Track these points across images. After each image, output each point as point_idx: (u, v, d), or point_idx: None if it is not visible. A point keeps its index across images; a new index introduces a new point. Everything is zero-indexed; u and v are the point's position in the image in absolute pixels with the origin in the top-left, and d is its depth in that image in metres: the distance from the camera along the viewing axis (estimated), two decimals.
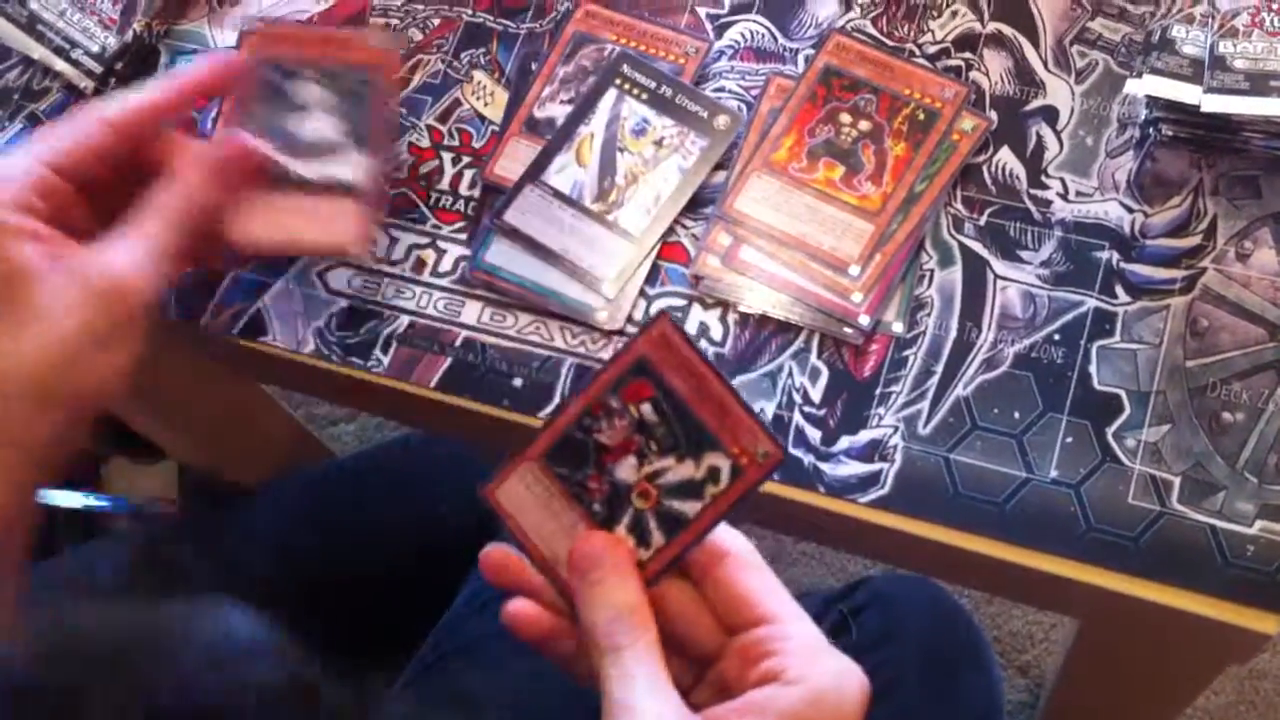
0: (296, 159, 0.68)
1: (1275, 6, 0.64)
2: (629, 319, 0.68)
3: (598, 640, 0.49)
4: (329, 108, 0.69)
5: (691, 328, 0.67)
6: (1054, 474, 0.61)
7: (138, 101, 0.62)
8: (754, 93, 0.72)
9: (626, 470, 0.50)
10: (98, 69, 0.78)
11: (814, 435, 0.64)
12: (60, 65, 0.79)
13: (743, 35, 0.74)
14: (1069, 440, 0.62)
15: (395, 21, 0.78)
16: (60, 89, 0.80)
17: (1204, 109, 0.63)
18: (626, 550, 0.50)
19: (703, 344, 0.67)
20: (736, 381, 0.66)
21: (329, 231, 0.68)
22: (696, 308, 0.68)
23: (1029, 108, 0.69)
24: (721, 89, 0.73)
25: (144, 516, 1.29)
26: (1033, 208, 0.67)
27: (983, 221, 0.67)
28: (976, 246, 0.67)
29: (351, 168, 0.68)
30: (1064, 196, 0.67)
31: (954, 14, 0.72)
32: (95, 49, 0.79)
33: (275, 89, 0.70)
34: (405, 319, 0.70)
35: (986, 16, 0.72)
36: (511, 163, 0.72)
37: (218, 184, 0.63)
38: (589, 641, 0.49)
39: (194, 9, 0.81)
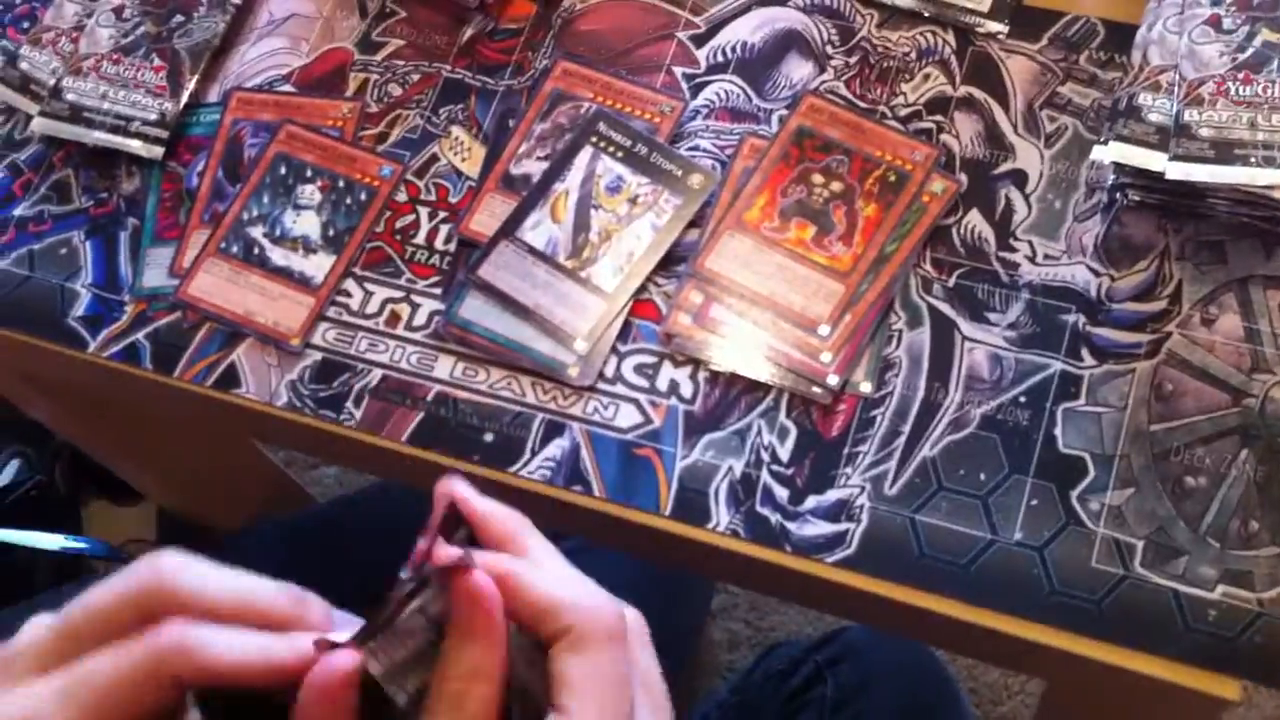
0: (276, 247, 0.74)
1: (1240, 75, 0.65)
2: (600, 375, 0.68)
3: None
4: (323, 213, 0.75)
5: (662, 385, 0.68)
6: (1018, 536, 0.62)
7: None
8: (728, 152, 0.73)
9: None
10: (164, 134, 0.78)
11: (781, 494, 0.65)
12: (120, 141, 0.78)
13: (718, 95, 0.75)
14: (1034, 502, 0.62)
15: (375, 76, 0.79)
16: (133, 170, 0.79)
17: (1168, 176, 0.64)
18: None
19: (673, 401, 0.67)
20: (705, 439, 0.66)
21: (280, 319, 0.73)
22: (667, 365, 0.68)
23: (998, 171, 0.70)
24: (696, 148, 0.73)
25: (121, 559, 1.29)
26: (1001, 270, 0.68)
27: (951, 283, 0.68)
28: (945, 308, 0.67)
29: (318, 267, 0.74)
30: (1032, 259, 0.68)
31: (926, 77, 0.73)
32: (153, 117, 0.78)
33: (287, 187, 0.76)
34: (378, 373, 0.70)
35: (958, 80, 0.73)
36: (487, 218, 0.73)
37: None
38: None
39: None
